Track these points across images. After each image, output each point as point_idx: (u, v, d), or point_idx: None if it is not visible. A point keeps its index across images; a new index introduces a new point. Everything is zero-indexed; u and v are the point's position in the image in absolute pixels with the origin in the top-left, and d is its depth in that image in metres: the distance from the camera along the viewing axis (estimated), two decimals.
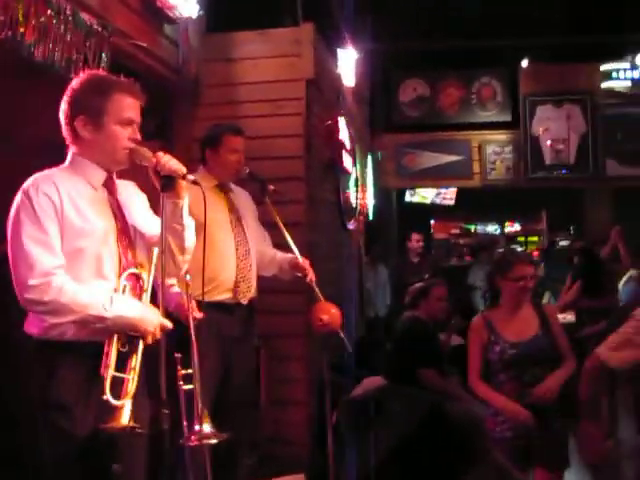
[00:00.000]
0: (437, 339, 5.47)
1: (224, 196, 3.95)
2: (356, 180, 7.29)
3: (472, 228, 16.69)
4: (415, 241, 9.00)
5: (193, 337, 3.06)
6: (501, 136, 9.91)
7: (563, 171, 9.65)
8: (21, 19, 3.07)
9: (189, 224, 2.66)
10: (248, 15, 5.50)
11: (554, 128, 9.62)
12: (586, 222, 10.58)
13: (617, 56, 9.46)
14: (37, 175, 2.48)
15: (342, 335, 3.90)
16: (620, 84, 9.56)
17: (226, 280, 3.79)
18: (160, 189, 2.48)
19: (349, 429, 4.68)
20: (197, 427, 2.93)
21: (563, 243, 9.59)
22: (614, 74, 9.55)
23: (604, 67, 9.53)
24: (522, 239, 15.58)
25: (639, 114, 9.54)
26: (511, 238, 15.46)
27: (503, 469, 3.56)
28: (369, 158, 8.78)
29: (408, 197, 11.78)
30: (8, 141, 4.51)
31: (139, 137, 2.57)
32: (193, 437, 2.94)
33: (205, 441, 2.89)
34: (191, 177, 2.51)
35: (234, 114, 5.01)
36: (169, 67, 4.70)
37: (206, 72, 5.19)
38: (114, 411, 2.30)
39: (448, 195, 11.70)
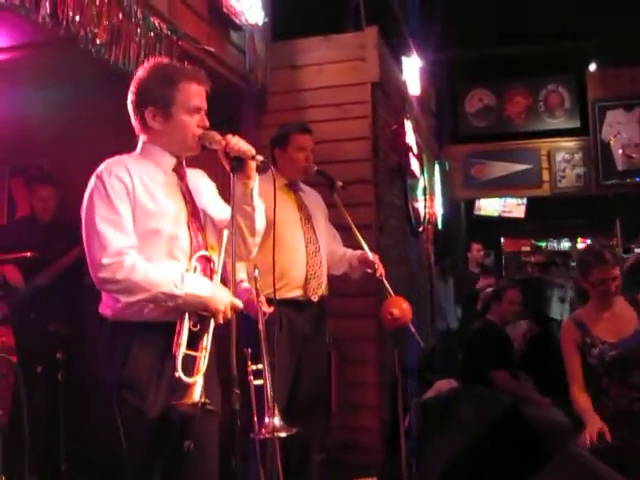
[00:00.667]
0: (509, 342, 5.39)
1: (293, 195, 3.97)
2: (424, 188, 7.26)
3: (543, 245, 16.43)
4: (476, 251, 8.94)
5: (263, 331, 3.09)
6: (570, 143, 9.77)
7: (637, 179, 9.44)
8: (95, 20, 3.17)
9: (259, 206, 2.68)
10: (312, 22, 5.59)
11: (625, 133, 9.43)
12: None
13: None
14: (109, 160, 2.55)
15: (413, 329, 3.86)
16: None
17: (296, 277, 3.79)
18: (230, 170, 2.53)
19: (423, 431, 4.63)
20: (267, 420, 2.95)
21: (638, 250, 9.36)
22: None
23: None
24: None
25: None
26: None
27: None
28: (437, 168, 8.75)
29: (476, 211, 11.67)
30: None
31: (207, 123, 2.61)
32: (263, 430, 2.95)
33: (275, 434, 2.90)
34: (260, 157, 2.54)
35: (300, 119, 5.04)
36: (236, 73, 4.78)
37: (272, 79, 5.25)
38: (186, 388, 2.33)
39: (508, 208, 11.57)
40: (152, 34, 3.63)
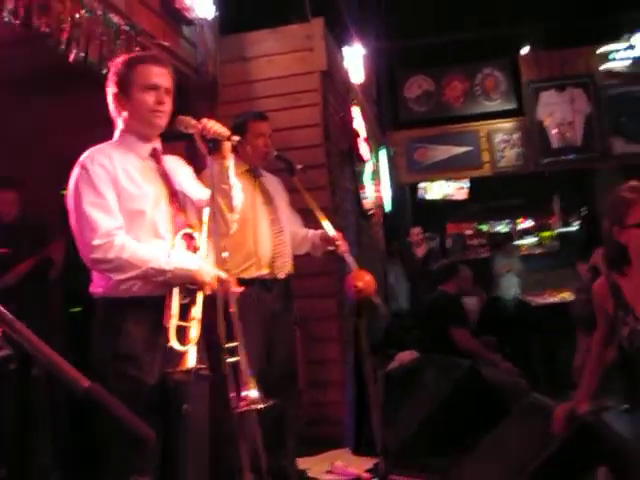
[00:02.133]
0: (464, 308, 5.67)
1: (255, 180, 4.14)
2: (372, 173, 7.48)
3: (485, 228, 16.88)
4: (415, 235, 9.23)
5: (235, 309, 3.23)
6: (508, 124, 10.12)
7: (570, 156, 9.83)
8: (58, 17, 3.29)
9: (236, 183, 2.86)
10: (257, 15, 5.75)
11: (559, 112, 9.82)
12: (597, 203, 10.73)
13: (614, 37, 9.67)
14: (91, 149, 2.70)
15: (377, 300, 4.06)
16: (619, 64, 9.78)
17: (263, 256, 3.97)
18: (207, 152, 2.70)
19: (389, 401, 4.85)
20: (244, 393, 3.09)
21: (576, 224, 9.80)
22: (612, 55, 9.77)
23: (602, 49, 9.75)
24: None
25: None
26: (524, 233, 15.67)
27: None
28: (382, 153, 8.98)
29: (420, 195, 11.97)
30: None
31: (165, 100, 2.74)
32: (242, 403, 3.10)
33: (253, 406, 3.03)
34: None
35: (253, 110, 5.20)
36: (189, 66, 4.91)
37: (223, 72, 5.39)
38: (179, 357, 2.49)
39: (451, 192, 11.91)
40: (111, 30, 3.76)
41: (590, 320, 3.19)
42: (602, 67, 9.70)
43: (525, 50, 10.02)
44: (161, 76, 2.76)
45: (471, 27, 9.59)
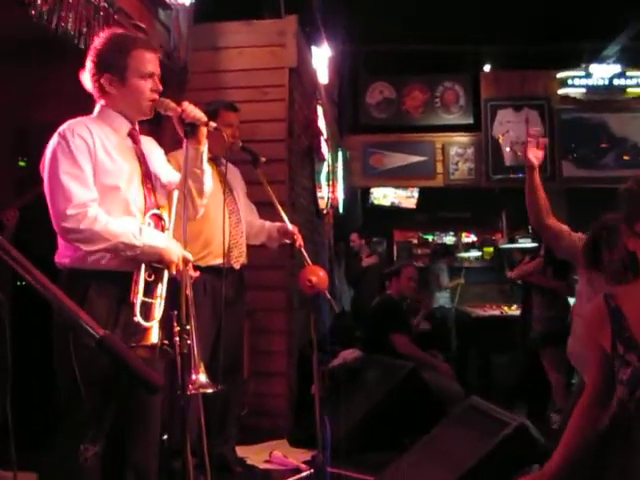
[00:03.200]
0: (407, 314, 5.81)
1: (216, 169, 4.18)
2: (328, 173, 7.58)
3: (430, 238, 17.12)
4: (353, 240, 9.43)
5: (190, 293, 3.28)
6: (464, 138, 10.32)
7: (520, 174, 10.04)
8: None
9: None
10: (230, 7, 5.79)
11: (514, 131, 10.06)
12: None
13: (573, 64, 9.97)
14: (71, 121, 2.73)
15: (328, 296, 4.15)
16: (575, 91, 10.09)
17: (219, 246, 4.01)
18: (184, 136, 2.75)
19: (330, 397, 4.93)
20: (194, 377, 3.15)
21: (522, 241, 10.00)
22: (570, 81, 10.07)
23: (560, 74, 10.03)
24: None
25: (593, 120, 10.06)
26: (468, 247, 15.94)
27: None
28: (339, 154, 9.09)
29: (370, 199, 12.14)
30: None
31: (160, 88, 2.82)
32: (190, 386, 3.15)
33: (202, 390, 3.09)
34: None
35: (220, 99, 5.25)
36: (162, 51, 4.91)
37: (193, 59, 5.43)
38: (144, 332, 2.54)
39: (398, 200, 12.13)
40: (90, 5, 3.78)
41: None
42: (559, 91, 9.98)
43: (487, 68, 10.24)
44: (154, 62, 2.83)
45: (437, 40, 9.74)
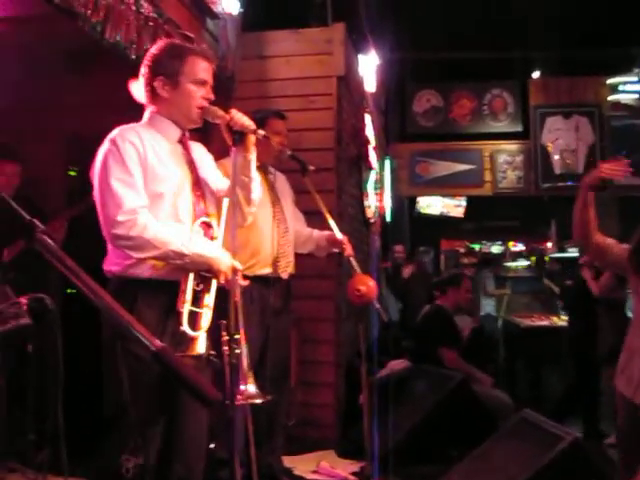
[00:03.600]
0: (458, 328, 5.71)
1: (264, 177, 4.17)
2: (375, 182, 7.53)
3: (477, 247, 16.96)
4: (396, 252, 9.32)
5: (239, 301, 3.25)
6: (512, 146, 10.18)
7: (569, 182, 9.89)
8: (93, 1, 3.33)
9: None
10: (277, 16, 5.80)
11: (563, 139, 9.90)
12: None
13: (625, 70, 9.76)
14: (122, 127, 2.73)
15: (377, 306, 4.10)
16: (626, 97, 9.85)
17: (267, 255, 4.01)
18: (232, 143, 2.74)
19: (378, 408, 4.88)
20: (242, 387, 3.12)
21: (572, 250, 9.82)
22: (621, 87, 9.84)
23: (611, 80, 9.83)
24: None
25: None
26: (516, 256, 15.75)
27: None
28: (386, 163, 9.04)
29: (418, 209, 12.06)
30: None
31: (212, 97, 2.82)
32: (239, 396, 3.13)
33: (250, 400, 3.06)
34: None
35: (268, 107, 5.25)
36: None
37: (241, 68, 5.44)
38: (191, 341, 2.53)
39: (446, 210, 12.01)
40: (141, 16, 3.80)
41: None
42: (610, 98, 9.78)
43: (536, 75, 10.09)
44: (208, 72, 2.83)
45: (484, 47, 9.65)
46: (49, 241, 1.27)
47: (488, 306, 9.80)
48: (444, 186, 10.36)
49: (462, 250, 15.99)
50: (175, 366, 1.41)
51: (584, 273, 6.58)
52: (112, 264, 2.69)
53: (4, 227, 1.28)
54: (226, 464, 3.60)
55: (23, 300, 2.25)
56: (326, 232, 4.23)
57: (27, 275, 4.81)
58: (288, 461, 4.55)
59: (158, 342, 1.45)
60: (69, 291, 5.44)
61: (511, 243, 17.02)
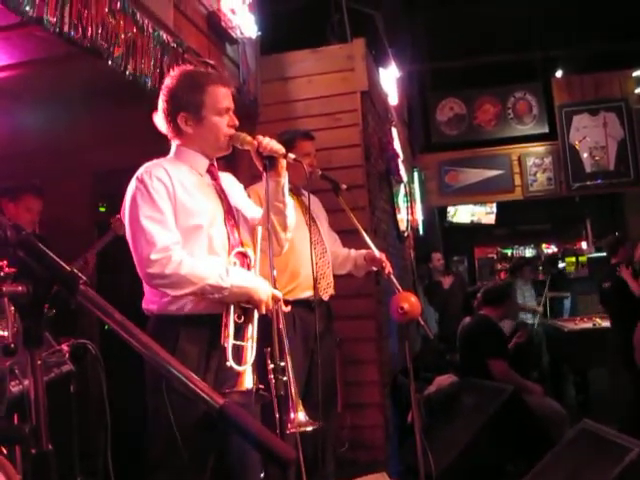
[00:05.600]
0: (505, 336, 5.59)
1: (297, 200, 4.10)
2: (405, 195, 7.45)
3: (509, 252, 16.78)
4: (436, 260, 9.19)
5: (283, 328, 3.19)
6: (540, 148, 10.06)
7: (598, 180, 9.73)
8: (113, 33, 3.30)
9: (289, 202, 2.82)
10: (295, 36, 5.77)
11: (591, 136, 9.75)
12: (629, 229, 10.62)
13: None
14: (148, 163, 2.67)
15: (422, 322, 4.01)
16: None
17: (307, 277, 3.92)
18: (263, 169, 2.67)
19: (428, 425, 4.77)
20: (292, 415, 3.04)
21: None
22: None
23: (636, 73, 9.67)
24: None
25: None
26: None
27: None
28: (415, 175, 8.96)
29: (448, 218, 11.96)
30: None
31: (237, 122, 2.75)
32: (289, 425, 3.04)
33: (302, 428, 2.97)
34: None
35: (294, 128, 5.19)
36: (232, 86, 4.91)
37: (263, 91, 5.40)
38: (237, 377, 2.44)
39: (477, 217, 11.88)
40: (160, 47, 3.76)
41: None
42: (637, 90, 9.62)
43: (558, 73, 9.97)
44: (229, 98, 2.76)
45: (503, 50, 9.56)
46: (93, 293, 1.20)
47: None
48: (475, 193, 10.25)
49: (494, 256, 15.84)
50: (241, 423, 1.31)
51: (622, 272, 6.38)
52: (150, 302, 2.63)
53: (42, 278, 1.20)
54: None
55: (65, 347, 2.20)
56: (363, 251, 4.15)
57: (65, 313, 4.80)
58: None
59: (221, 399, 1.36)
60: (106, 327, 5.42)
61: (544, 245, 16.83)
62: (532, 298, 9.34)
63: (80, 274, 1.21)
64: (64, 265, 1.18)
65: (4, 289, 1.14)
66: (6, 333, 3.28)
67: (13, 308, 2.39)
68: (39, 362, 1.23)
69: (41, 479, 1.19)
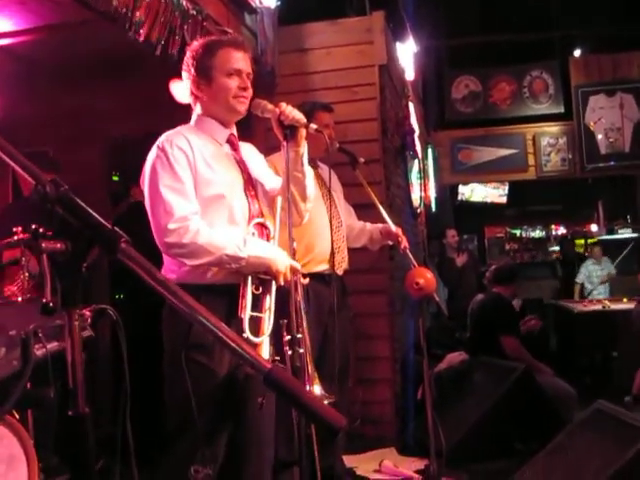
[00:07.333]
0: (517, 313, 5.57)
1: (315, 171, 4.06)
2: (419, 171, 7.40)
3: (517, 232, 16.72)
4: (450, 237, 9.14)
5: (300, 300, 3.15)
6: (555, 128, 9.98)
7: (611, 162, 9.64)
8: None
9: (309, 172, 2.78)
10: (314, 8, 5.70)
11: (607, 118, 9.66)
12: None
13: None
14: (169, 132, 2.63)
15: (437, 299, 3.99)
16: None
17: (322, 251, 3.89)
18: (283, 138, 2.62)
19: (439, 401, 4.76)
20: (308, 388, 3.02)
21: (622, 231, 9.58)
22: None
23: None
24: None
25: None
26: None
27: None
28: (429, 151, 8.90)
29: (460, 196, 11.90)
30: None
31: (248, 85, 2.69)
32: None
33: None
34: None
35: (313, 100, 5.15)
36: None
37: (281, 62, 5.34)
38: (254, 348, 2.42)
39: (489, 199, 11.83)
40: (179, 13, 3.71)
41: None
42: None
43: (576, 53, 9.85)
44: (242, 60, 2.69)
45: (521, 28, 9.46)
46: (135, 251, 1.17)
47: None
48: (488, 172, 10.19)
49: (502, 235, 15.82)
50: (288, 388, 1.29)
51: None
52: (169, 272, 2.59)
53: (82, 236, 1.18)
54: (289, 467, 3.55)
55: (87, 312, 2.18)
56: (379, 225, 4.12)
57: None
58: (349, 460, 4.45)
59: (269, 363, 1.34)
60: (118, 297, 5.42)
61: (553, 226, 16.79)
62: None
63: (122, 232, 1.18)
64: (104, 223, 1.15)
65: (43, 245, 1.11)
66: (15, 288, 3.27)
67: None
68: (76, 323, 1.20)
69: (77, 442, 1.16)
